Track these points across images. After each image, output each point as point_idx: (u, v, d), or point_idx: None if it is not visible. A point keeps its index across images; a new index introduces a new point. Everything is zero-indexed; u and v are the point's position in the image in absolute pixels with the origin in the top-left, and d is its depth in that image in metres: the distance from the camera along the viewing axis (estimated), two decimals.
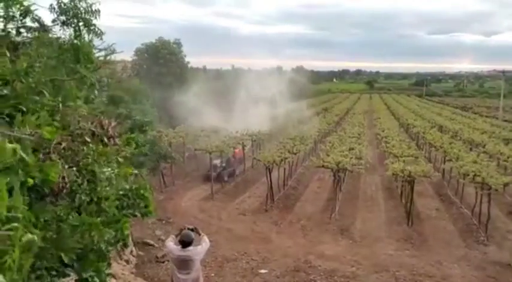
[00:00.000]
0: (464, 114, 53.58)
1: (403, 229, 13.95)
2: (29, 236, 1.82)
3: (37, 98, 2.87)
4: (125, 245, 2.99)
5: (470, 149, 22.79)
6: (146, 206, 3.04)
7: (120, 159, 3.00)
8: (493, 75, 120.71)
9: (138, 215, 3.02)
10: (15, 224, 1.73)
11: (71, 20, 3.33)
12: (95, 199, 2.60)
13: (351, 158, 16.67)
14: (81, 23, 3.37)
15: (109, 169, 2.84)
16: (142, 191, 2.98)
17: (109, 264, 2.67)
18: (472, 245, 12.70)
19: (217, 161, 19.63)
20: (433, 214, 15.63)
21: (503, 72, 55.29)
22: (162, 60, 35.68)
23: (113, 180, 2.74)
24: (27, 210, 1.88)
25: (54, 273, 2.14)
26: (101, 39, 3.49)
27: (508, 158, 19.72)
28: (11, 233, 1.69)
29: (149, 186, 3.15)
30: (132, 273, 9.32)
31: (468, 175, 14.95)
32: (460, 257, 11.87)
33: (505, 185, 13.64)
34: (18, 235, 1.74)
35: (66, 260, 1.94)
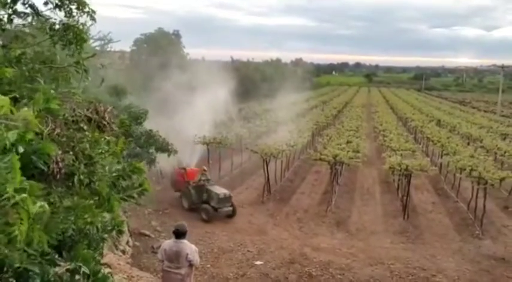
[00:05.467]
0: (462, 109, 53.68)
1: (399, 222, 14.01)
2: (39, 205, 1.76)
3: (30, 85, 2.85)
4: (120, 232, 2.96)
5: (468, 144, 22.84)
6: (141, 185, 2.99)
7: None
8: (492, 70, 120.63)
9: (135, 195, 2.99)
10: (25, 195, 1.68)
11: (63, 2, 3.29)
12: (93, 180, 2.58)
13: (348, 151, 16.69)
14: (73, 6, 3.32)
15: (104, 149, 2.80)
16: (136, 166, 2.94)
17: (100, 254, 2.66)
18: (467, 239, 12.77)
19: (224, 191, 14.23)
20: (429, 208, 15.69)
21: (503, 67, 55.22)
22: (161, 51, 35.59)
23: (106, 161, 2.71)
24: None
25: (47, 258, 2.13)
26: (94, 21, 3.45)
27: (504, 152, 19.79)
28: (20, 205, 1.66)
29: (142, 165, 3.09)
30: (128, 263, 9.33)
31: (465, 169, 15.00)
32: (454, 250, 11.95)
33: (501, 179, 13.70)
34: (28, 207, 1.69)
35: (52, 241, 1.92)
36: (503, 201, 16.41)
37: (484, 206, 13.29)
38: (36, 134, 2.17)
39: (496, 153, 20.58)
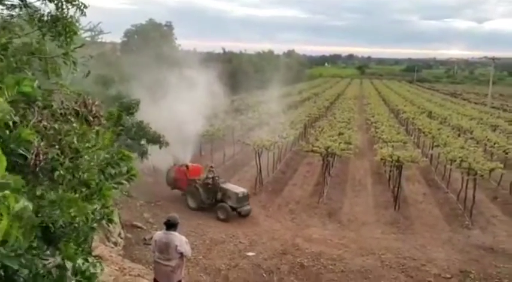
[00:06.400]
0: (453, 101, 54.00)
1: (390, 213, 14.13)
2: (21, 203, 1.69)
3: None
4: (110, 221, 2.92)
5: (458, 135, 23.03)
6: (128, 171, 2.94)
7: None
8: (483, 62, 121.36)
9: (124, 182, 2.95)
10: (7, 191, 1.61)
11: None
12: (77, 176, 2.53)
13: (340, 142, 16.75)
14: None
15: (92, 143, 2.76)
16: (124, 154, 2.90)
17: (89, 246, 2.63)
18: (457, 229, 12.93)
19: (242, 189, 13.75)
20: (419, 199, 15.84)
21: (494, 59, 55.50)
22: (152, 43, 35.21)
23: (94, 154, 2.67)
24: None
25: (33, 252, 2.10)
26: (85, 15, 3.40)
27: (494, 144, 19.98)
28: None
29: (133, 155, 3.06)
30: (120, 255, 9.32)
31: (455, 161, 15.14)
32: (444, 240, 12.10)
33: (491, 170, 13.86)
34: (10, 203, 1.62)
35: (30, 239, 1.89)
36: (492, 191, 16.60)
37: (474, 197, 13.44)
38: (21, 122, 2.14)
39: (486, 145, 20.78)
